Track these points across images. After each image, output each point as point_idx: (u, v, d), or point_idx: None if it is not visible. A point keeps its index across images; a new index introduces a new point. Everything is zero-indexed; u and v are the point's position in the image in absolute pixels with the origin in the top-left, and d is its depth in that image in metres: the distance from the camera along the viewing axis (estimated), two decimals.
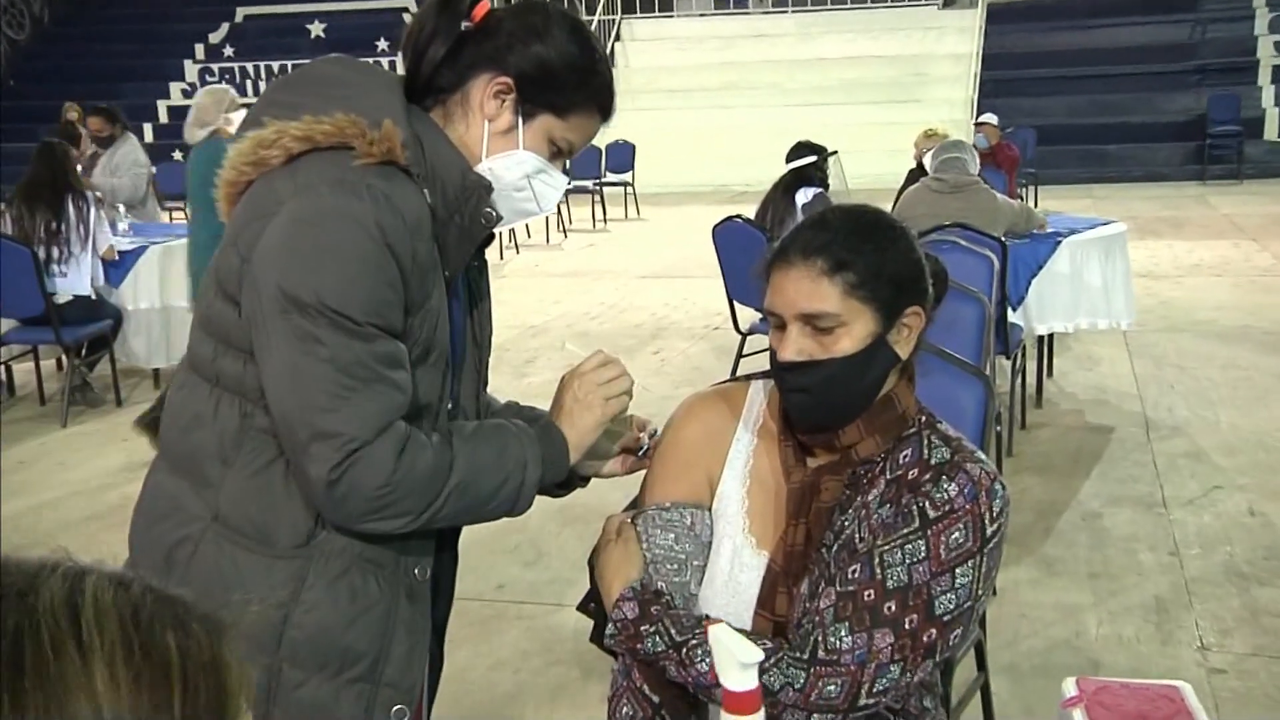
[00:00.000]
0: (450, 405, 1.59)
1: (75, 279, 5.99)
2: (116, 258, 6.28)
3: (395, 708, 1.55)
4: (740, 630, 1.50)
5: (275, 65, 19.82)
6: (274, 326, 1.39)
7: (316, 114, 1.44)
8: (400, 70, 1.59)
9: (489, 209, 1.52)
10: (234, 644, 0.69)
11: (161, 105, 20.00)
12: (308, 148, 1.43)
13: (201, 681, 0.65)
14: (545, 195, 1.59)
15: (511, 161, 1.54)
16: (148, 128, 19.28)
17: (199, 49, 21.14)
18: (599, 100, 1.57)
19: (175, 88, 20.58)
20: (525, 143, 1.54)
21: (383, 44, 19.26)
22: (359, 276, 1.38)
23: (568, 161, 1.64)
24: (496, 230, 1.59)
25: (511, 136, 1.53)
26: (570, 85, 1.53)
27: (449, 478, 1.47)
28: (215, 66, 20.75)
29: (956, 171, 5.41)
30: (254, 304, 1.41)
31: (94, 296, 6.09)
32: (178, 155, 16.87)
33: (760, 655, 1.19)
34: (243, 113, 4.59)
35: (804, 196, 5.80)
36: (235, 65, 20.65)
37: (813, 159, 5.99)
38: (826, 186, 6.00)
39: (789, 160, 6.04)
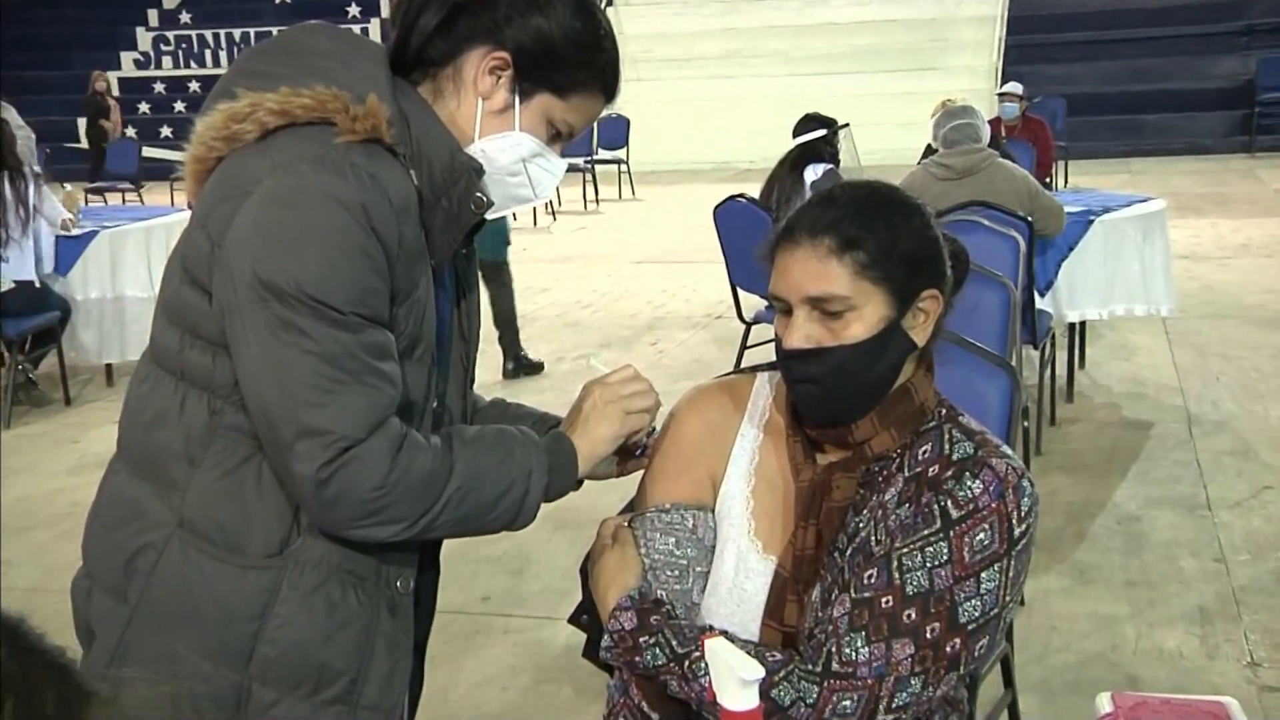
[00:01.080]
0: (435, 404, 1.59)
1: (19, 263, 5.98)
2: (71, 229, 6.31)
3: None
4: (745, 642, 1.51)
5: (236, 34, 19.80)
6: (250, 317, 1.39)
7: (295, 86, 1.44)
8: (377, 38, 1.59)
9: (479, 193, 1.52)
10: None
11: (113, 77, 19.95)
12: (284, 122, 1.43)
13: None
14: (541, 181, 1.58)
15: (506, 143, 1.53)
16: None
17: (152, 15, 21.08)
18: (603, 80, 1.57)
19: (127, 58, 20.54)
20: (522, 124, 1.53)
21: (354, 9, 19.24)
22: (342, 262, 1.38)
23: None
24: (487, 216, 1.58)
25: (507, 117, 1.53)
26: (572, 63, 1.53)
27: (448, 482, 1.47)
28: (170, 35, 20.72)
29: (965, 148, 5.20)
30: (227, 292, 1.41)
31: (39, 284, 6.09)
32: (131, 132, 16.88)
33: (762, 672, 1.19)
34: None
35: (813, 173, 5.81)
36: (192, 34, 20.62)
37: (822, 133, 5.99)
38: (837, 162, 6.01)
39: (796, 134, 6.04)
